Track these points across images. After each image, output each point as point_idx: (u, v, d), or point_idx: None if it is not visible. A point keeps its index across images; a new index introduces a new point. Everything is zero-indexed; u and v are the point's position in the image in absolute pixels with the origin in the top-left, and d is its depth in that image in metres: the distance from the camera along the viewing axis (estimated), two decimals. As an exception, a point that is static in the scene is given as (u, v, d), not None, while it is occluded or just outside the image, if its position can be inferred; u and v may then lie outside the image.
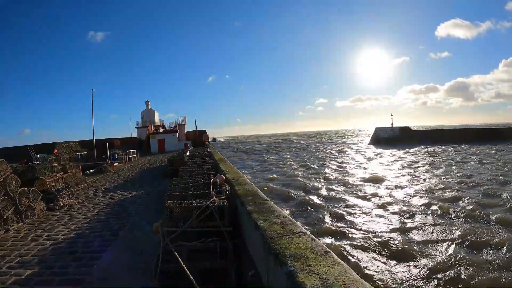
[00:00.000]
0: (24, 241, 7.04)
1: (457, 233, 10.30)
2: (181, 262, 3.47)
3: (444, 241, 9.82)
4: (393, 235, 10.51)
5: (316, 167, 30.28)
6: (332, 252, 2.20)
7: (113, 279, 4.78)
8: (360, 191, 18.11)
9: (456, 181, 19.35)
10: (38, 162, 14.62)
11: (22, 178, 10.12)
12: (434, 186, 18.18)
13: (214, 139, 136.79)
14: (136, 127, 49.38)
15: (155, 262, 3.89)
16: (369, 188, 18.71)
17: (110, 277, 4.85)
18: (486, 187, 17.43)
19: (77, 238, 7.00)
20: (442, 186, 18.02)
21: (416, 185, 19.10)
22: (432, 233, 10.63)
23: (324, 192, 18.12)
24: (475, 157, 32.11)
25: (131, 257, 5.64)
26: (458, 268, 8.13)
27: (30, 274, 5.20)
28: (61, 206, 10.37)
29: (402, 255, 8.96)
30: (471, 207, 13.33)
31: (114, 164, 24.43)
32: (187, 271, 3.32)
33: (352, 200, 15.95)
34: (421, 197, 15.77)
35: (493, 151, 36.82)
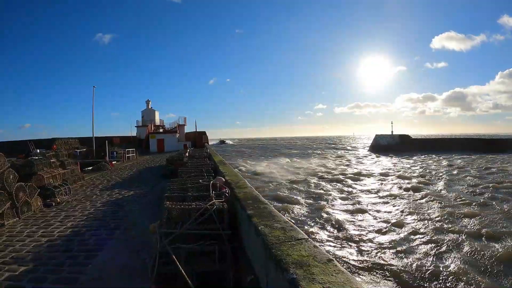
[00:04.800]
0: (19, 236, 6.98)
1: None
2: (179, 265, 3.42)
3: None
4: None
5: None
6: (335, 260, 2.16)
7: (108, 279, 4.72)
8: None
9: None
10: (37, 157, 14.52)
11: (20, 172, 10.05)
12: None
13: (222, 142, 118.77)
14: (136, 126, 49.15)
15: (152, 263, 3.84)
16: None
17: (105, 277, 4.79)
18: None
19: (73, 236, 6.93)
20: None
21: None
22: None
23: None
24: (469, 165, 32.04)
25: (127, 257, 5.57)
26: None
27: (24, 270, 5.15)
28: (58, 203, 10.31)
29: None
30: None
31: (113, 163, 24.32)
32: (184, 274, 3.27)
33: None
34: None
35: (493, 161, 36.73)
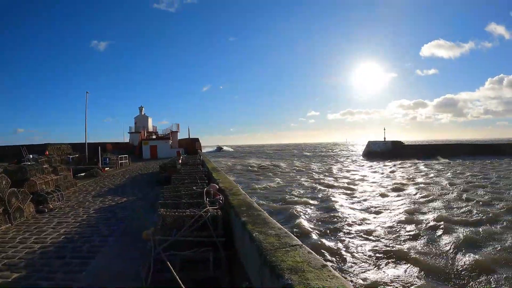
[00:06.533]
0: (12, 243, 6.91)
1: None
2: (173, 272, 3.44)
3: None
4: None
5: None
6: (329, 266, 2.21)
7: (102, 286, 4.71)
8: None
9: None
10: (30, 163, 14.37)
11: (12, 178, 9.95)
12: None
13: (220, 149, 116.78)
14: (129, 132, 48.97)
15: (146, 270, 3.85)
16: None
17: (99, 284, 4.78)
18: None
19: (66, 243, 6.88)
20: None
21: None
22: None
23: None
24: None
25: (121, 264, 5.56)
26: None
27: (17, 277, 5.11)
28: (51, 209, 10.22)
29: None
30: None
31: (106, 169, 24.18)
32: (179, 281, 3.29)
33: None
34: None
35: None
